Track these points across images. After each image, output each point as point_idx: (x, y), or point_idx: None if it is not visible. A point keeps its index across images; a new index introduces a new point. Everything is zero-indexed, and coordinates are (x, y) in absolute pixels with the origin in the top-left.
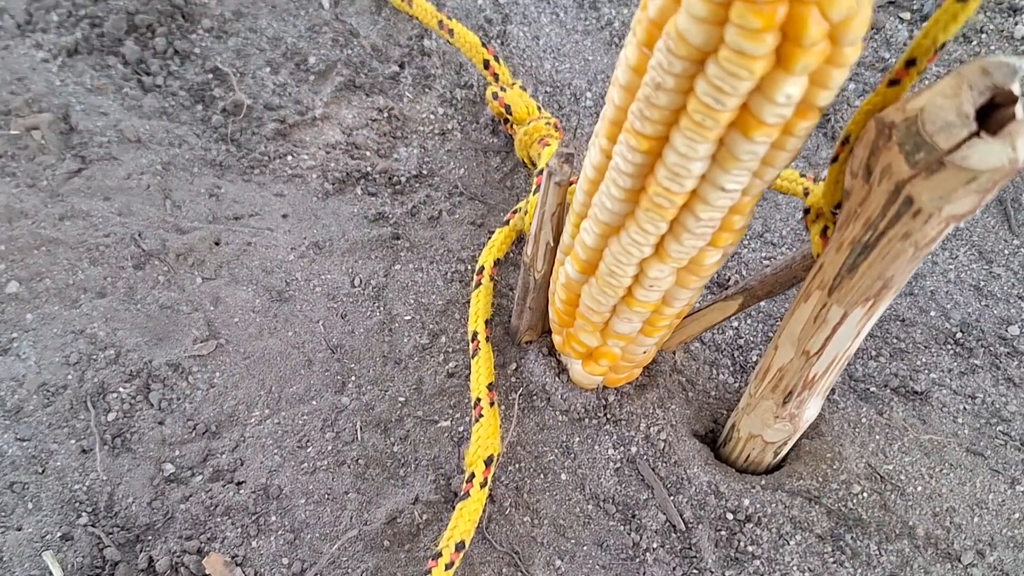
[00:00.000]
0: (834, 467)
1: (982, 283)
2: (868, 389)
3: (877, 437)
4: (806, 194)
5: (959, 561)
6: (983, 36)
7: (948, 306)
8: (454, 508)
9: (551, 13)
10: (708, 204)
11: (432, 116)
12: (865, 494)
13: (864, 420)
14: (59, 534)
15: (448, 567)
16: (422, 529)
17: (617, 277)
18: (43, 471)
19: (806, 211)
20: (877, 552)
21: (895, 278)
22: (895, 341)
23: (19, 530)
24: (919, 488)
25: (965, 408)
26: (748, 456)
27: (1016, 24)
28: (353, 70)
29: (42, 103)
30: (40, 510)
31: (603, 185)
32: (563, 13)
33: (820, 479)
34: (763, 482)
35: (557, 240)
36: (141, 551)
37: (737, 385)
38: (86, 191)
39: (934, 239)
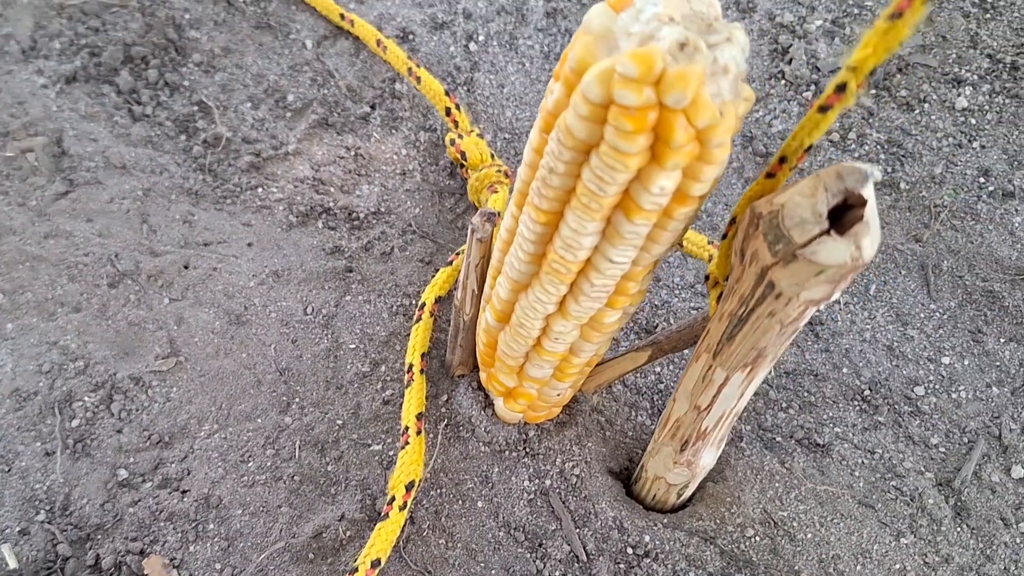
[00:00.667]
0: (732, 510)
1: (895, 344)
2: (774, 439)
3: (776, 485)
4: (710, 259)
5: None
6: (925, 106)
7: (860, 364)
8: (371, 525)
9: (518, 63)
10: (600, 273)
11: (395, 156)
12: (757, 538)
13: (767, 468)
14: (18, 529)
15: None
16: (345, 545)
17: (526, 328)
18: (8, 470)
19: (707, 277)
20: None
21: (767, 349)
22: (806, 395)
23: None
24: (809, 535)
25: (863, 462)
26: (655, 495)
27: (959, 95)
28: (328, 109)
29: (38, 127)
30: (2, 506)
31: (512, 247)
32: (528, 63)
33: (718, 521)
34: (665, 520)
35: (481, 288)
36: (90, 548)
37: (654, 427)
38: (71, 212)
39: (797, 319)
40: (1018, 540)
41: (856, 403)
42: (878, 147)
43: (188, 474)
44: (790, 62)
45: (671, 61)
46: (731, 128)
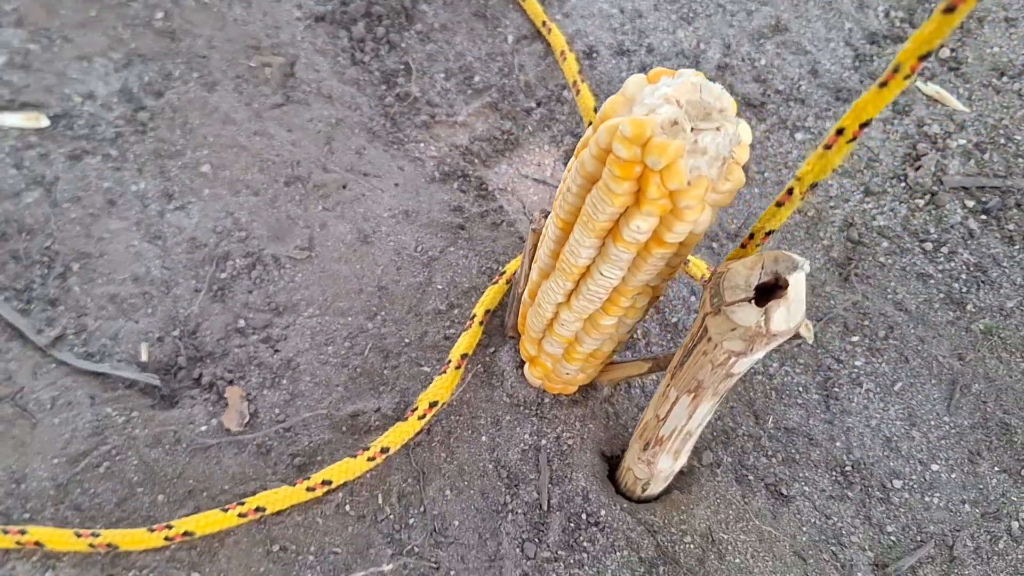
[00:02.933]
0: (681, 517)
1: (895, 438)
2: (747, 476)
3: (729, 512)
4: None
5: None
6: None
7: (854, 444)
8: (394, 423)
9: None
10: (594, 280)
11: (538, 149)
12: (692, 546)
13: (728, 496)
14: (157, 336)
15: (370, 460)
16: (371, 431)
17: (543, 309)
18: (167, 292)
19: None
20: None
21: (704, 382)
22: (793, 451)
23: (136, 323)
24: (736, 561)
25: (815, 522)
26: (626, 483)
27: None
28: (502, 96)
29: (281, 49)
30: (155, 316)
31: (543, 242)
32: None
33: (666, 520)
34: (624, 505)
35: (530, 269)
36: (198, 367)
37: None
38: (279, 120)
39: (724, 363)
40: None
41: (834, 474)
42: (963, 266)
43: (284, 339)
44: (917, 169)
45: (659, 132)
46: (699, 196)
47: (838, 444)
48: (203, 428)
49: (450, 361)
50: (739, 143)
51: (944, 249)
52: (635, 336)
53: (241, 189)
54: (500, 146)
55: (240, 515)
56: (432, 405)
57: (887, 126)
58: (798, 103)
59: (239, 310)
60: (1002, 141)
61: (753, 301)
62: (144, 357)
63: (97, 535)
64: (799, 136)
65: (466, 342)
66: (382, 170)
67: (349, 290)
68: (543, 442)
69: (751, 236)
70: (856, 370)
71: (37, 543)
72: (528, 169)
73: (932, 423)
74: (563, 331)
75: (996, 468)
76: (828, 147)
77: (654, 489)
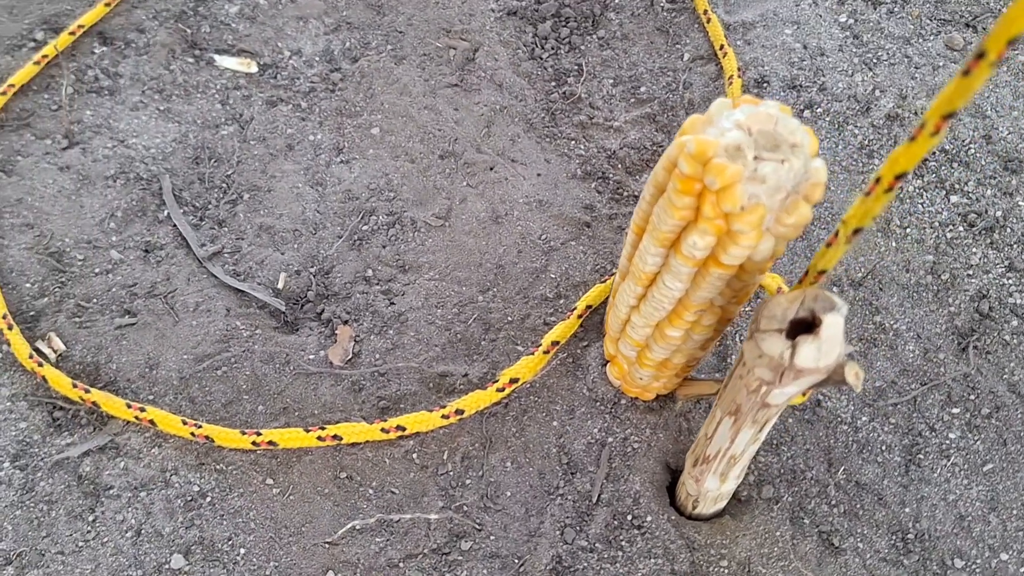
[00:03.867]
0: (724, 542)
1: (970, 518)
2: (802, 519)
3: (774, 548)
4: None
5: None
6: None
7: (924, 514)
8: (475, 390)
9: (838, 142)
10: (659, 289)
11: None
12: (727, 571)
13: (778, 534)
14: (295, 268)
15: (444, 417)
16: (452, 392)
17: (618, 310)
18: (314, 233)
19: None
20: None
21: (742, 407)
22: (857, 507)
23: (282, 254)
24: None
25: None
26: (680, 497)
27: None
28: (661, 108)
29: (469, 35)
30: (298, 251)
31: (624, 246)
32: (844, 149)
33: (708, 541)
34: (672, 517)
35: None
36: (322, 303)
37: None
38: (448, 99)
39: (756, 391)
40: None
41: (894, 538)
42: None
43: (403, 295)
44: None
45: (721, 154)
46: (752, 223)
47: (907, 510)
48: (311, 357)
49: (540, 345)
50: (810, 181)
51: None
52: (728, 357)
53: (400, 155)
54: (647, 156)
55: (319, 438)
56: (512, 381)
57: None
58: (962, 166)
59: (370, 261)
60: None
61: (785, 334)
62: (280, 285)
63: (200, 427)
64: (954, 199)
65: (560, 330)
66: (530, 159)
67: (470, 262)
68: (610, 439)
69: (806, 273)
70: (948, 442)
71: (151, 421)
72: None
73: (1014, 512)
74: (634, 335)
75: None
76: (867, 194)
77: (703, 509)
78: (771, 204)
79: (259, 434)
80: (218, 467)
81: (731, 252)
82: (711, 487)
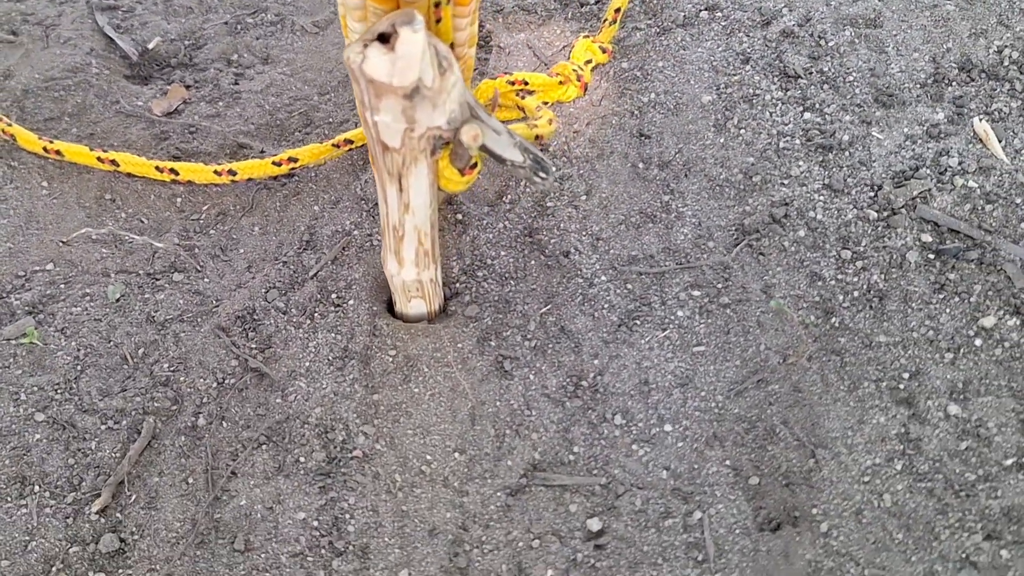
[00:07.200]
0: (404, 337)
1: (652, 386)
2: (490, 341)
3: (448, 356)
4: None
5: None
6: None
7: (610, 370)
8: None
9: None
10: None
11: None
12: (391, 360)
13: (460, 346)
14: (171, 39)
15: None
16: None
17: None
18: (205, 14)
19: None
20: None
21: (376, 158)
22: (549, 347)
23: (167, 23)
24: (418, 394)
25: (515, 408)
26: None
27: None
28: None
29: None
30: (182, 25)
31: None
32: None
33: (390, 332)
34: (374, 308)
35: None
36: (179, 69)
37: None
38: None
39: (369, 125)
40: None
41: (567, 382)
42: (865, 285)
43: (251, 80)
44: (899, 185)
45: None
46: None
47: (595, 362)
48: (139, 103)
49: (332, 139)
50: None
51: (859, 263)
52: None
53: None
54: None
55: (99, 159)
56: (291, 160)
57: (907, 140)
58: (833, 90)
59: (239, 47)
60: (1018, 202)
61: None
62: (151, 46)
63: (11, 125)
64: (807, 115)
65: (359, 133)
66: None
67: (323, 67)
68: (356, 232)
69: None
70: (672, 318)
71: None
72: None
73: (703, 393)
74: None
75: (726, 461)
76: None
77: (401, 306)
78: None
79: (51, 142)
80: (11, 164)
81: None
82: (392, 270)
